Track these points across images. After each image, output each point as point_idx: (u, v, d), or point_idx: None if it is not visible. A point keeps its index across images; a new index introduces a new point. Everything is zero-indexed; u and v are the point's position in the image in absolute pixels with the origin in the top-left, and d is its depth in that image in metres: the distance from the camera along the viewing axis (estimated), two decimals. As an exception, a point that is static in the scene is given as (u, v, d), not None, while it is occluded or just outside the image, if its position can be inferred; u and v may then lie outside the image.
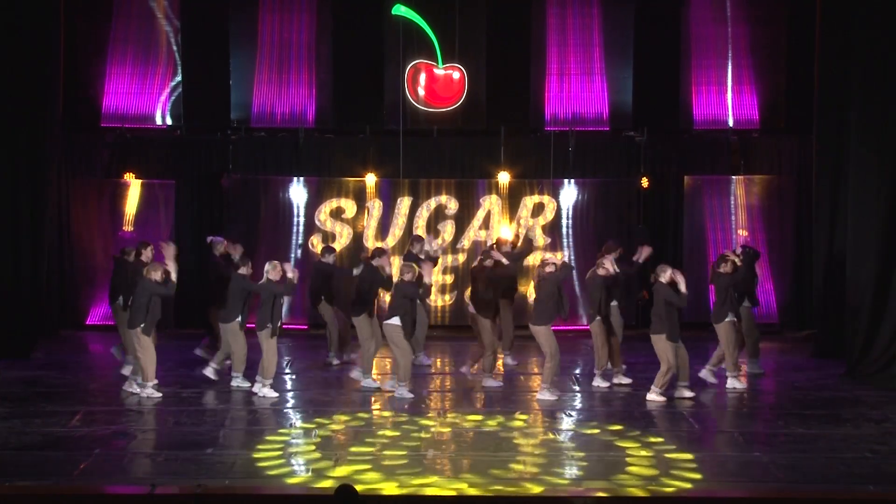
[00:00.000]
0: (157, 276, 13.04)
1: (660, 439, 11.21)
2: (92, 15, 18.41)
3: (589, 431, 11.61)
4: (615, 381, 13.86)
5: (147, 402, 12.80)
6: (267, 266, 13.38)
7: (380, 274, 14.10)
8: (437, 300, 18.17)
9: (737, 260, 14.32)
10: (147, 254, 14.49)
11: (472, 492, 9.46)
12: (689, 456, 10.58)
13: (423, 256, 14.98)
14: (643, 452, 10.70)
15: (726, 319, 13.68)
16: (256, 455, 10.54)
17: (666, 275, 13.08)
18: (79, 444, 10.85)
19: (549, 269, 13.33)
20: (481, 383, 13.86)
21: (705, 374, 13.85)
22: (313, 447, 10.89)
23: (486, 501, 9.37)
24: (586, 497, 9.31)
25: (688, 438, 11.34)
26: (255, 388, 13.18)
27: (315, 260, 15.83)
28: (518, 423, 11.89)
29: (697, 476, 9.97)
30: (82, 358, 16.09)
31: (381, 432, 11.46)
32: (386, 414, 12.38)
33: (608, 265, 13.61)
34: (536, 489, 9.57)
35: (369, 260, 14.34)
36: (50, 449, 10.68)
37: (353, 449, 10.82)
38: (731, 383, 13.69)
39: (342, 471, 10.02)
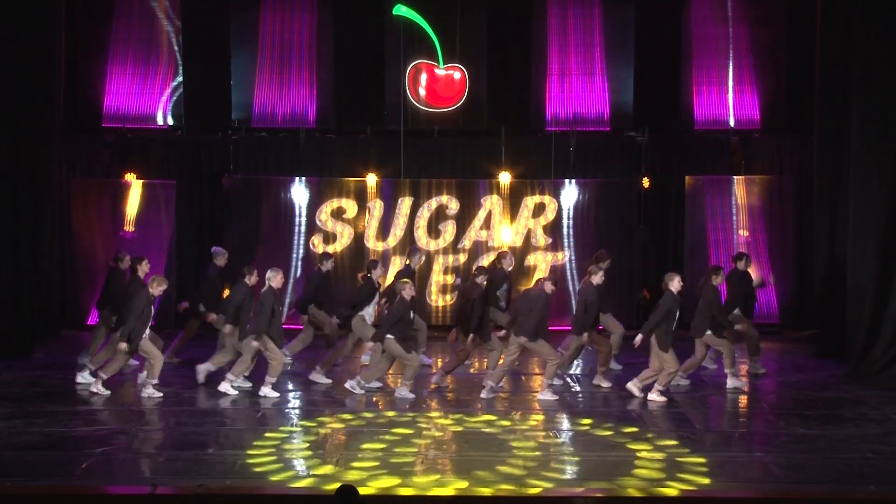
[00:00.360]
0: (158, 290, 13.12)
1: (670, 442, 11.21)
2: (93, 15, 18.42)
3: (591, 431, 11.60)
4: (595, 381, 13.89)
5: (148, 401, 12.81)
6: (269, 273, 13.38)
7: (377, 286, 14.24)
8: (439, 300, 18.18)
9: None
10: (143, 268, 14.45)
11: (473, 492, 9.46)
12: (700, 459, 10.56)
13: (416, 267, 15.11)
14: (644, 454, 10.69)
15: (707, 334, 13.64)
16: (252, 451, 10.56)
17: (674, 283, 13.05)
18: (80, 444, 10.85)
19: (549, 287, 13.27)
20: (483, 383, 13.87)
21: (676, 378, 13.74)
22: (308, 446, 10.89)
23: (487, 501, 9.36)
24: (587, 497, 9.30)
25: (689, 438, 11.32)
26: (223, 387, 13.26)
27: (315, 267, 15.78)
28: (517, 424, 11.88)
29: (704, 480, 9.95)
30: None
31: (386, 431, 11.47)
32: (389, 414, 12.37)
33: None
34: (534, 490, 9.56)
35: (367, 275, 14.41)
36: (51, 449, 10.69)
37: (352, 448, 10.83)
38: (731, 382, 13.70)
39: (343, 472, 10.02)
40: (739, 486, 9.82)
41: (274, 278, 13.33)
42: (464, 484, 9.63)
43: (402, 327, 13.18)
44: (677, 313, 12.96)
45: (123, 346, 13.00)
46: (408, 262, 15.41)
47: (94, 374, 13.59)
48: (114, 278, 14.96)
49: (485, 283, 13.95)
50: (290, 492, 9.52)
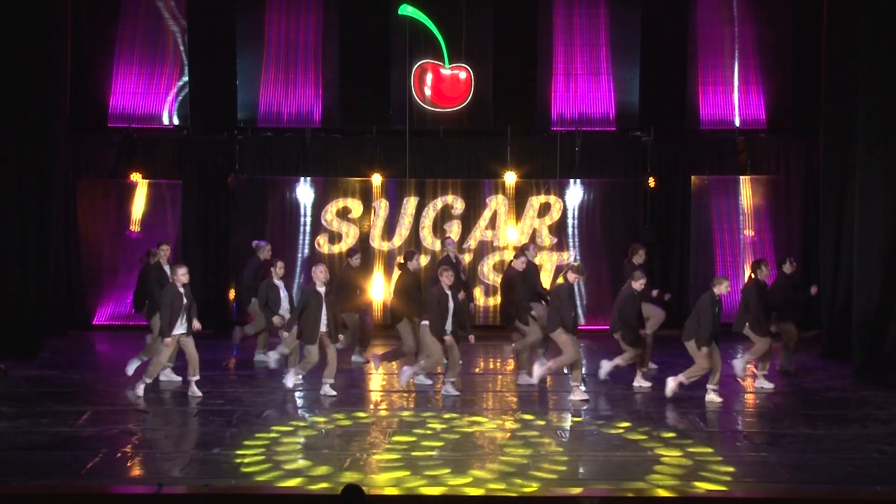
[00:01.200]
0: (182, 277, 13.12)
1: (672, 435, 11.22)
2: (99, 15, 18.45)
3: (600, 430, 11.59)
4: (636, 383, 13.85)
5: (139, 401, 12.79)
6: (314, 269, 13.43)
7: (418, 277, 14.28)
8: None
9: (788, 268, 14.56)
10: (163, 254, 14.49)
11: (474, 491, 9.46)
12: (723, 468, 10.56)
13: (450, 254, 15.10)
14: (652, 453, 10.69)
15: (745, 329, 13.74)
16: (244, 449, 10.57)
17: (721, 287, 12.99)
18: (86, 444, 10.85)
19: (571, 276, 13.24)
20: (517, 381, 13.89)
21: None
22: (299, 447, 10.89)
23: (487, 501, 9.34)
24: (593, 497, 9.29)
25: (694, 438, 11.31)
26: (289, 383, 13.37)
27: (345, 265, 15.70)
28: (536, 423, 11.90)
29: (718, 488, 9.95)
30: (89, 358, 16.10)
31: (399, 430, 11.48)
32: (404, 414, 12.38)
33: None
34: (531, 487, 9.56)
35: (405, 265, 14.42)
36: (57, 449, 10.69)
37: (359, 447, 10.84)
38: (759, 383, 13.77)
39: (349, 472, 10.03)
40: (745, 486, 9.80)
41: (321, 273, 13.28)
42: (467, 479, 9.64)
43: (441, 314, 13.17)
44: (713, 313, 12.92)
45: (168, 340, 13.01)
46: (445, 253, 15.47)
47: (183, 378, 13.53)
48: (145, 276, 15.04)
49: (522, 265, 13.98)
50: (294, 491, 9.50)
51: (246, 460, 10.33)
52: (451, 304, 13.21)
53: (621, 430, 11.55)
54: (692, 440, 11.22)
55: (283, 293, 14.10)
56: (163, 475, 9.91)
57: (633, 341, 13.51)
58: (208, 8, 18.56)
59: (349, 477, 9.76)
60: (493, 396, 13.47)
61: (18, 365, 14.59)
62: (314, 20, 18.65)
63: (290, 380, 13.37)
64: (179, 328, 13.05)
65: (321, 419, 12.03)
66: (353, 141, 18.66)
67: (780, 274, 14.79)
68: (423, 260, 17.02)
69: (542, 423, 11.97)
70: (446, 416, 12.20)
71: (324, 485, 9.58)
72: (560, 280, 13.33)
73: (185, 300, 13.04)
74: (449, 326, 13.18)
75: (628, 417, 12.15)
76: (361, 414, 12.32)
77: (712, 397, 12.95)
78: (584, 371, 13.34)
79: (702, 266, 17.89)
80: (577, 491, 9.58)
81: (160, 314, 13.16)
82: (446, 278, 13.25)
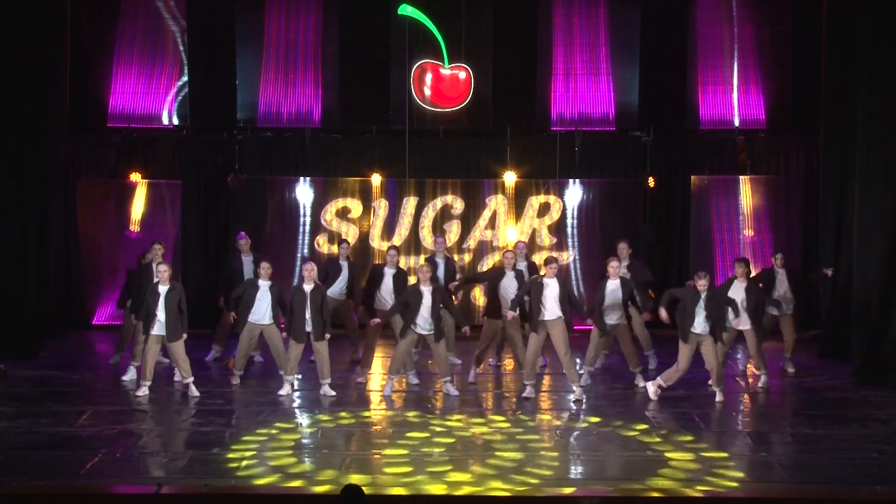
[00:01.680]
0: (163, 276, 13.10)
1: (673, 436, 11.22)
2: (99, 15, 18.43)
3: (601, 430, 11.60)
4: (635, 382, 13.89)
5: (140, 402, 12.80)
6: (303, 266, 13.45)
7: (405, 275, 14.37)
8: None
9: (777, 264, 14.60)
10: (154, 254, 14.45)
11: (473, 491, 9.47)
12: (737, 473, 10.56)
13: (440, 260, 15.03)
14: (652, 453, 10.69)
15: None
16: (240, 444, 10.58)
17: (700, 282, 13.05)
18: (85, 444, 10.85)
19: (550, 271, 13.26)
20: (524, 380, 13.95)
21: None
22: (297, 447, 10.89)
23: (487, 501, 9.35)
24: (592, 497, 9.30)
25: (694, 438, 11.31)
26: (283, 391, 13.25)
27: (348, 261, 15.66)
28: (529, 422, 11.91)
29: (732, 484, 9.96)
30: (89, 358, 16.08)
31: (402, 431, 11.48)
32: (407, 414, 12.37)
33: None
34: (526, 487, 9.56)
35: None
36: (57, 448, 10.69)
37: (359, 446, 10.84)
38: (763, 380, 13.83)
39: (346, 473, 10.03)
40: (744, 486, 9.80)
41: (311, 272, 13.33)
42: (465, 476, 9.64)
43: (410, 312, 13.18)
44: (695, 308, 12.92)
45: (141, 338, 13.14)
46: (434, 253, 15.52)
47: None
48: (133, 275, 15.06)
49: (507, 263, 13.99)
50: (294, 491, 9.51)
51: (246, 454, 10.35)
52: (425, 301, 13.16)
53: (621, 431, 11.56)
54: (692, 440, 11.21)
55: (263, 293, 13.60)
56: (162, 475, 9.92)
57: (601, 327, 13.61)
58: (208, 8, 18.56)
59: (348, 477, 9.77)
60: (493, 396, 13.48)
61: (18, 365, 14.58)
62: (314, 20, 18.65)
63: (285, 388, 13.31)
64: (157, 328, 13.05)
65: (324, 417, 12.05)
66: (352, 141, 18.65)
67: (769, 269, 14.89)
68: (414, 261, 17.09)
69: (540, 422, 11.99)
70: (446, 416, 12.21)
71: (308, 483, 9.61)
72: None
73: (161, 300, 13.00)
74: (426, 325, 13.15)
75: (628, 417, 12.14)
76: (364, 413, 12.33)
77: (718, 397, 12.96)
78: (581, 372, 13.38)
79: (701, 266, 17.74)
80: (575, 491, 9.59)
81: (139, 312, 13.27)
82: (422, 274, 13.26)
